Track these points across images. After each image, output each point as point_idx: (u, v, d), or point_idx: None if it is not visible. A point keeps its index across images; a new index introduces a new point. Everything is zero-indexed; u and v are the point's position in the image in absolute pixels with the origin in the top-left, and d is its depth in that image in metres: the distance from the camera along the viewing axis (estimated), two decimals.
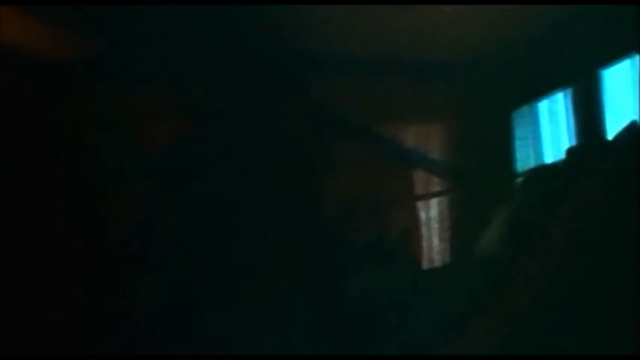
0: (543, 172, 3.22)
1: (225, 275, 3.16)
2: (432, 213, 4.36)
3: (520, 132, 4.04)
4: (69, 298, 2.79)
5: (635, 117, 2.90)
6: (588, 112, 3.50)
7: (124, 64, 3.21)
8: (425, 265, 4.06)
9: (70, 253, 2.83)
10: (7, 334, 2.54)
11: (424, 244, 4.27)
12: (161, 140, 3.34)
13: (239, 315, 2.99)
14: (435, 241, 4.28)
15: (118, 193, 3.09)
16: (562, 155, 3.04)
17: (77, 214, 2.93)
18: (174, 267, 3.05)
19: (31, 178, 2.85)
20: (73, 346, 2.71)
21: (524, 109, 4.04)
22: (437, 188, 4.36)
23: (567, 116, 3.67)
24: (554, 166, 3.24)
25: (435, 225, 4.31)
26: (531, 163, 3.85)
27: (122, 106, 3.20)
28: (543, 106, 3.94)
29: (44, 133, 2.99)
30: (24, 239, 2.76)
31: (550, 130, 3.83)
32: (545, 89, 3.86)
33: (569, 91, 3.68)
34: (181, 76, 3.41)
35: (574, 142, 3.60)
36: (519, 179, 3.78)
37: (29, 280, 2.70)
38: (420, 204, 4.36)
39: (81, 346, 2.72)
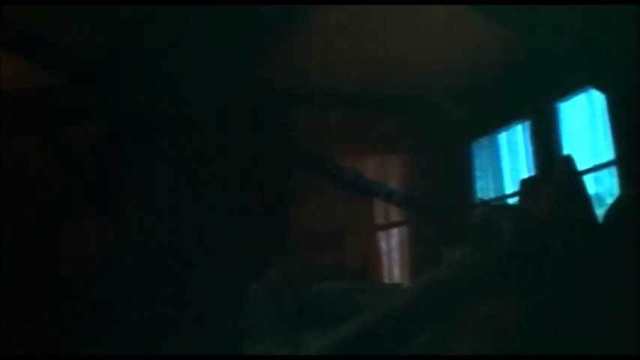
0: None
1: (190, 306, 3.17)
2: (392, 243, 4.40)
3: (480, 163, 4.11)
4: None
5: (589, 148, 3.00)
6: (546, 143, 3.59)
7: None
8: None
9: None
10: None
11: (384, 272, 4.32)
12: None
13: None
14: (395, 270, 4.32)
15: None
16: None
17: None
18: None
19: None
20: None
21: (484, 141, 4.13)
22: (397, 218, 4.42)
23: (526, 148, 3.76)
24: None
25: (394, 254, 4.35)
26: (491, 194, 3.93)
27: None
28: (502, 138, 4.04)
29: None
30: None
31: (509, 162, 3.92)
32: (504, 122, 3.95)
33: (527, 124, 3.78)
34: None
35: (532, 173, 3.69)
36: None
37: None
38: (380, 234, 4.41)
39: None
